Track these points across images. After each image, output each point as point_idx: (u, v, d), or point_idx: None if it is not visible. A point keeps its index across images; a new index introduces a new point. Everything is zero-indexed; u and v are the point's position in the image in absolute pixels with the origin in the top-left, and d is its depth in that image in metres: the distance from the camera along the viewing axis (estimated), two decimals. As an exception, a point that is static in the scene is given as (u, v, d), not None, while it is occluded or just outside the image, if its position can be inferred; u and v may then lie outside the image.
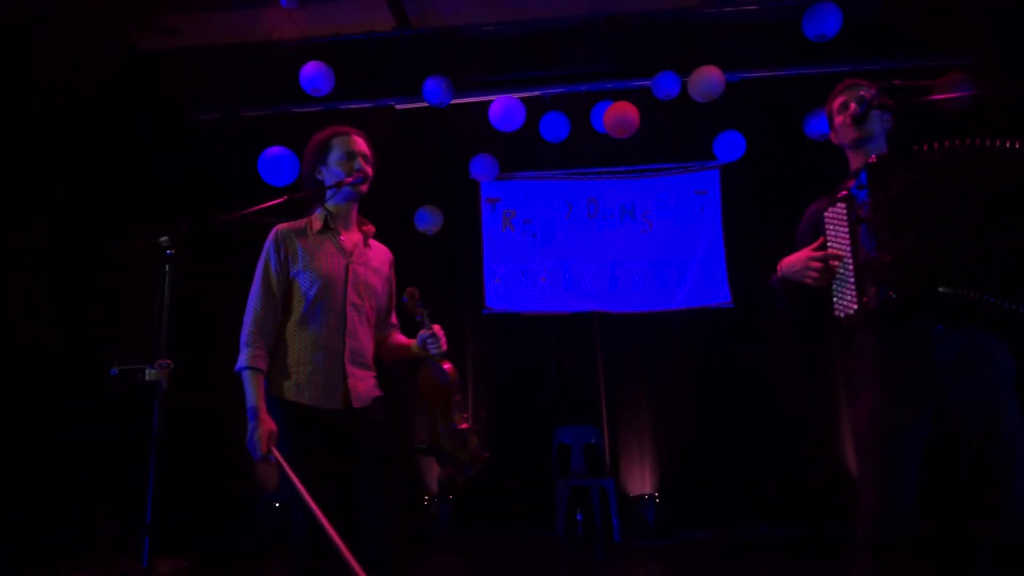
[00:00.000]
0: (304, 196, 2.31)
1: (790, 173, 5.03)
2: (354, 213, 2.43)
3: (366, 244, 2.42)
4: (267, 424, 2.12)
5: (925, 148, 1.90)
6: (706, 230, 5.38)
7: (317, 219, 2.35)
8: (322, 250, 2.30)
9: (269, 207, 2.08)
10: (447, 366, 2.34)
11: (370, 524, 2.20)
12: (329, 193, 2.33)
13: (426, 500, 5.11)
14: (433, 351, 2.34)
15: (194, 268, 4.99)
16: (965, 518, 1.97)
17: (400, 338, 2.50)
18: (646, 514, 5.00)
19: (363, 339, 2.33)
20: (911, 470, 1.97)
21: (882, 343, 2.04)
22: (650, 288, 5.37)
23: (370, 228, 2.47)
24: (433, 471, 5.17)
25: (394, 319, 2.55)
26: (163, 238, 1.89)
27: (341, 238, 2.34)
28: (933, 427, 1.99)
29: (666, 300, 5.34)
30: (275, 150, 4.66)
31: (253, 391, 2.15)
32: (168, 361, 1.85)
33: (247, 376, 2.17)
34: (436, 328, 2.35)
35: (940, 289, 1.84)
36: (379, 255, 2.46)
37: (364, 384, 2.30)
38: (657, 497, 5.04)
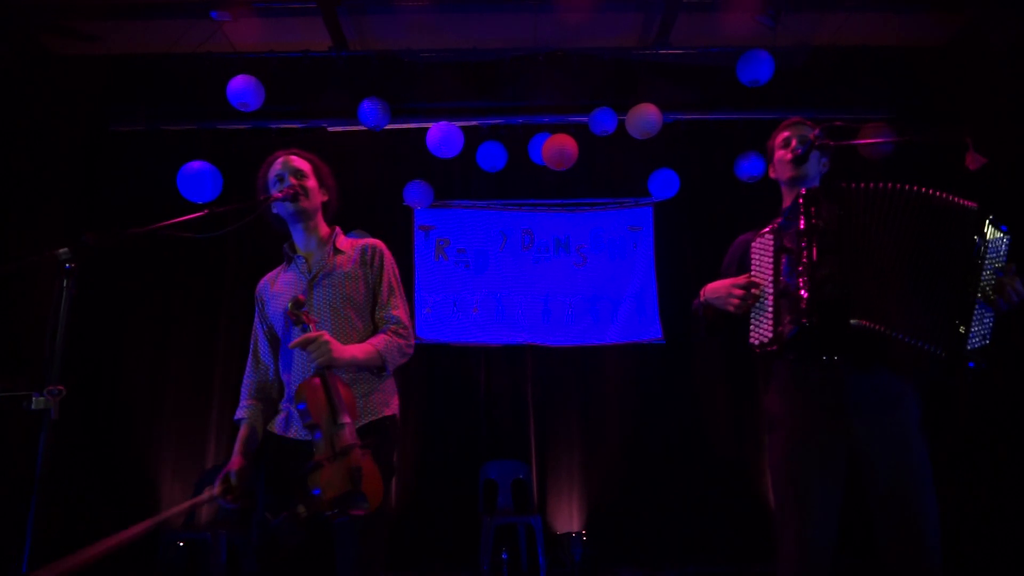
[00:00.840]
0: (227, 211, 2.15)
1: (721, 212, 5.15)
2: (318, 231, 2.33)
3: (336, 252, 2.29)
4: (230, 464, 2.16)
5: (852, 185, 1.93)
6: (639, 266, 5.42)
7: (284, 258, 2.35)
8: (286, 285, 2.27)
9: (184, 221, 1.91)
10: (308, 382, 1.98)
11: (341, 558, 2.08)
12: (288, 221, 2.31)
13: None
14: (310, 362, 2.02)
15: (104, 287, 4.79)
16: (881, 566, 1.96)
17: (374, 337, 2.19)
18: (573, 552, 4.88)
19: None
20: (830, 514, 1.97)
21: (793, 379, 2.05)
22: (583, 322, 5.35)
23: (335, 231, 2.36)
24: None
25: (383, 313, 2.26)
26: (62, 250, 1.70)
27: (303, 264, 2.28)
28: (849, 470, 1.99)
29: (598, 335, 5.32)
30: (196, 164, 4.42)
31: (237, 439, 2.23)
32: (60, 387, 1.65)
33: (239, 426, 2.26)
34: (303, 337, 2.00)
35: (852, 321, 1.84)
36: (352, 256, 2.30)
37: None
38: (585, 535, 4.94)
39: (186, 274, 5.17)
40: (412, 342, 2.27)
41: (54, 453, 1.67)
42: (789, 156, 2.21)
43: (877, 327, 1.83)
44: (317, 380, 1.98)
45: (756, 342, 2.01)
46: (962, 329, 1.82)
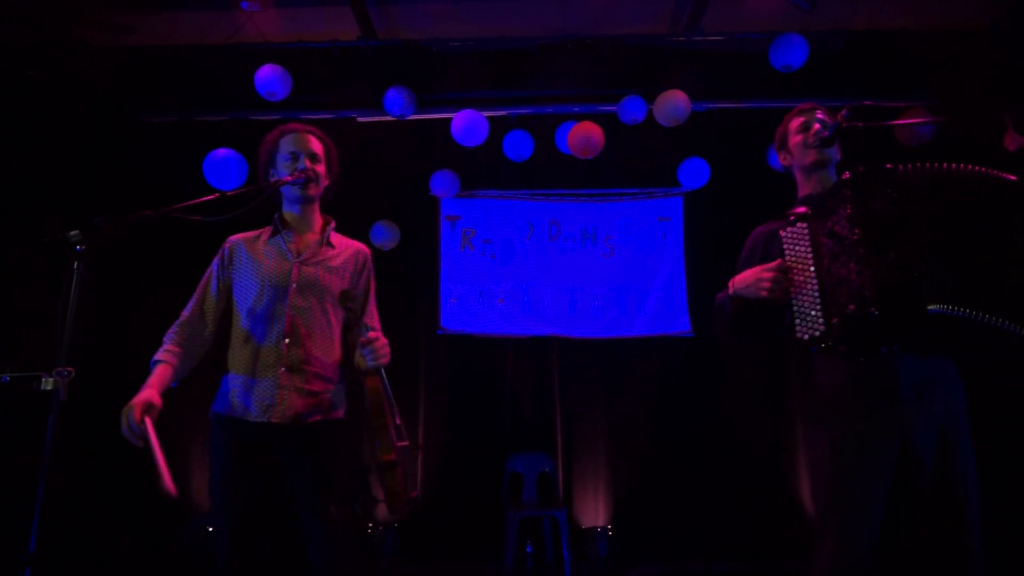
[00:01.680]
0: (244, 194, 2.15)
1: (753, 203, 4.97)
2: (312, 216, 2.32)
3: (326, 244, 2.29)
4: (143, 394, 1.98)
5: (900, 168, 1.84)
6: (668, 257, 5.32)
7: (271, 226, 2.29)
8: (267, 256, 2.21)
9: (196, 204, 1.92)
10: (369, 383, 2.07)
11: (311, 556, 2.09)
12: (285, 196, 2.27)
13: (369, 529, 4.87)
14: (370, 363, 2.09)
15: (116, 270, 4.86)
16: (925, 564, 1.88)
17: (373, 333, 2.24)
18: (598, 547, 4.84)
19: (316, 348, 2.16)
20: (875, 514, 1.88)
21: (844, 371, 1.95)
22: (610, 314, 5.28)
23: (332, 225, 2.35)
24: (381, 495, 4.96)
25: (369, 322, 2.33)
26: (73, 232, 1.71)
27: (292, 241, 2.24)
28: (897, 465, 1.90)
29: (625, 327, 5.24)
30: (222, 152, 4.47)
31: (151, 377, 2.06)
32: (70, 369, 1.66)
33: (152, 367, 2.09)
34: (372, 335, 2.10)
35: (929, 307, 1.74)
36: (343, 254, 2.31)
37: (307, 400, 2.13)
38: (610, 530, 4.89)
39: (203, 259, 5.21)
40: None
41: (63, 435, 1.69)
42: (812, 139, 2.13)
43: (958, 310, 1.73)
44: (379, 381, 2.05)
45: (806, 336, 1.91)
46: None
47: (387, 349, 2.09)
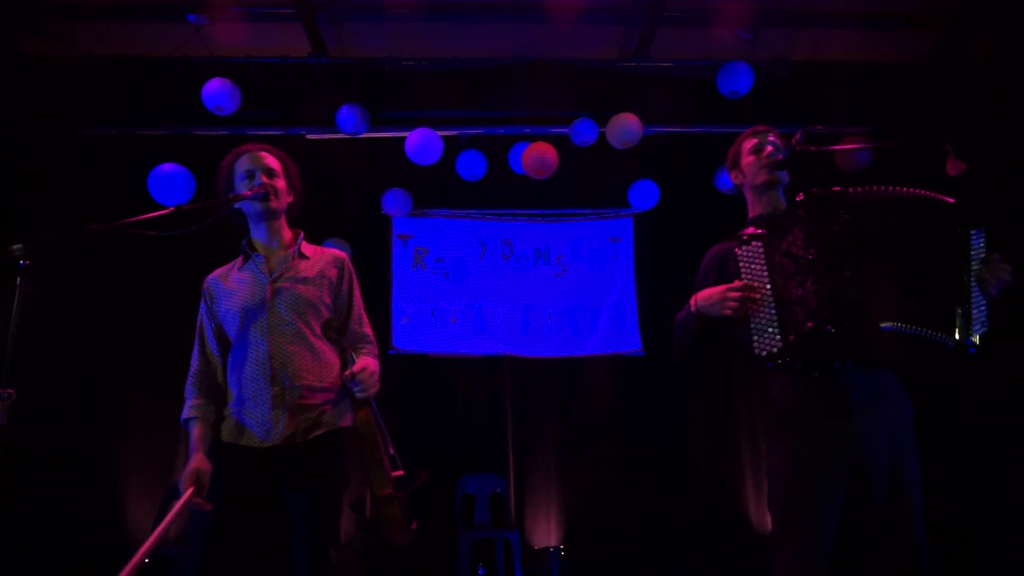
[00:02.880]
0: (196, 209, 2.09)
1: (701, 224, 5.11)
2: (281, 232, 2.29)
3: (299, 256, 2.25)
4: (192, 463, 2.01)
5: (852, 190, 1.91)
6: (619, 277, 5.40)
7: (241, 254, 2.26)
8: (241, 283, 2.19)
9: (151, 218, 1.85)
10: (361, 416, 2.01)
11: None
12: (250, 218, 2.24)
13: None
14: (358, 394, 2.05)
15: (65, 286, 4.66)
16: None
17: (360, 360, 2.16)
18: (551, 567, 4.82)
19: (304, 361, 2.11)
20: (830, 526, 1.93)
21: (797, 387, 2.01)
22: (562, 333, 5.31)
23: (301, 236, 2.31)
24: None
25: (359, 327, 2.29)
26: (16, 246, 1.63)
27: (263, 263, 2.21)
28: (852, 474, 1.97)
29: (578, 346, 5.28)
30: (168, 167, 4.35)
31: (191, 440, 2.09)
32: (10, 391, 1.57)
33: (188, 428, 2.12)
34: (357, 367, 2.06)
35: (883, 325, 1.81)
36: (317, 263, 2.27)
37: (305, 415, 2.08)
38: (563, 550, 4.88)
39: (156, 279, 5.04)
40: None
41: (10, 461, 1.59)
42: (764, 161, 2.20)
43: (908, 328, 1.81)
44: (370, 412, 2.01)
45: (763, 352, 1.95)
46: (965, 316, 1.82)
47: (375, 378, 2.05)
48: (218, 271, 2.30)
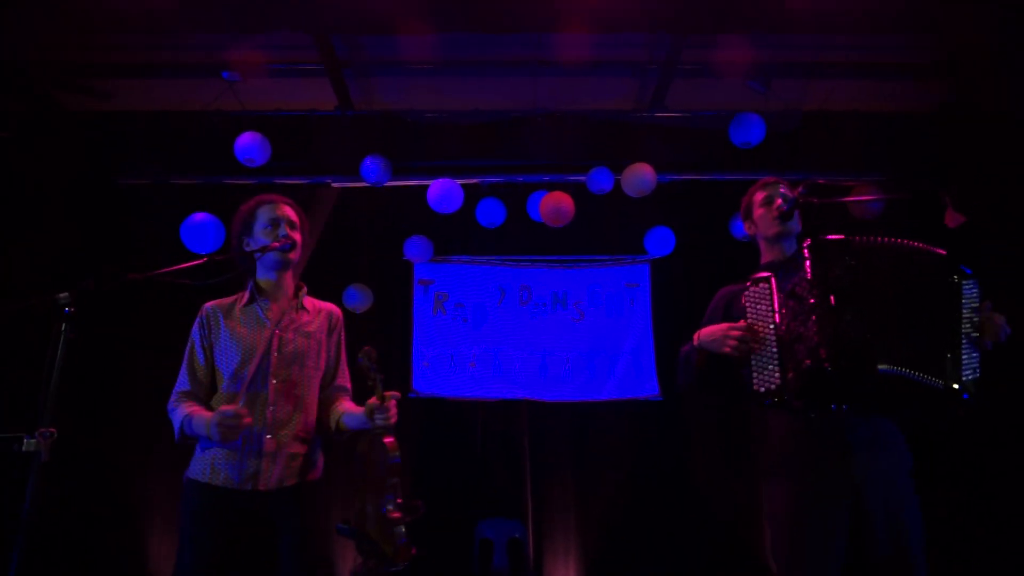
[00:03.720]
0: (227, 260, 2.20)
1: (717, 270, 5.13)
2: (286, 282, 2.37)
3: (301, 308, 2.34)
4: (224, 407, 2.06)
5: (856, 239, 2.00)
6: (636, 322, 5.45)
7: (246, 293, 2.32)
8: (245, 324, 2.25)
9: (183, 268, 1.96)
10: (388, 440, 2.11)
11: None
12: (261, 263, 2.31)
13: (335, 598, 4.75)
14: (379, 422, 2.12)
15: (101, 332, 4.80)
16: None
17: (348, 404, 2.30)
18: (569, 616, 4.77)
19: (297, 412, 2.19)
20: (833, 566, 1.95)
21: (795, 428, 2.06)
22: (580, 377, 5.35)
23: (304, 290, 2.40)
24: (347, 562, 4.84)
25: (342, 382, 2.39)
26: (63, 295, 1.74)
27: (269, 308, 2.28)
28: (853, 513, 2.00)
29: (595, 390, 5.31)
30: (199, 216, 4.53)
31: (197, 425, 2.09)
32: (52, 430, 1.67)
33: (188, 425, 2.11)
34: (388, 395, 2.15)
35: (880, 367, 1.86)
36: (317, 318, 2.36)
37: (290, 463, 2.15)
38: (581, 597, 4.83)
39: (185, 323, 5.18)
40: None
41: (44, 497, 1.68)
42: (775, 213, 2.28)
43: (903, 370, 1.87)
44: (394, 439, 2.12)
45: (762, 389, 2.02)
46: (954, 361, 1.90)
47: (394, 411, 2.15)
48: (218, 301, 2.36)
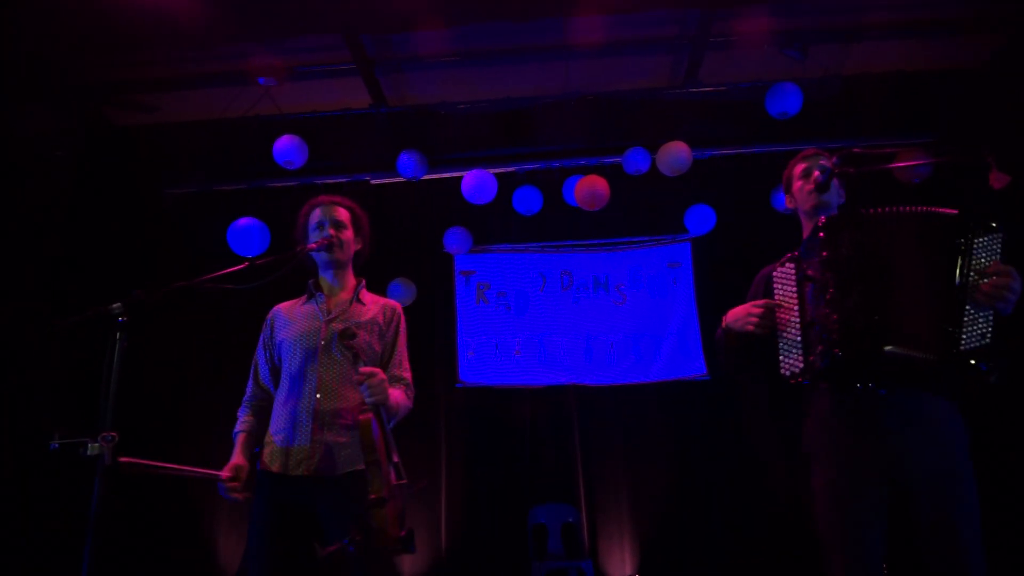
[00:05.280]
0: (270, 263, 2.27)
1: (760, 245, 5.06)
2: (345, 279, 2.48)
3: (357, 302, 2.42)
4: (232, 460, 2.24)
5: (869, 210, 1.96)
6: (680, 302, 5.40)
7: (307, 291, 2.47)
8: (301, 318, 2.37)
9: (228, 274, 2.04)
10: (361, 418, 2.01)
11: None
12: (319, 262, 2.45)
13: (395, 585, 4.87)
14: (367, 399, 2.07)
15: (152, 338, 5.00)
16: None
17: (391, 391, 2.23)
18: (627, 597, 4.79)
19: (346, 401, 2.24)
20: (876, 543, 1.92)
21: (830, 407, 2.03)
22: (625, 360, 5.33)
23: (363, 284, 2.50)
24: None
25: (398, 372, 2.39)
26: (115, 305, 1.83)
27: (324, 303, 2.39)
28: (893, 496, 1.95)
29: (641, 372, 5.29)
30: (245, 221, 4.65)
31: (235, 446, 2.31)
32: (113, 434, 1.76)
33: (235, 440, 2.33)
34: (367, 370, 2.08)
35: (886, 349, 1.84)
36: (372, 309, 2.43)
37: (338, 452, 2.20)
38: (638, 579, 4.85)
39: (241, 324, 5.33)
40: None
41: (109, 500, 1.77)
42: (811, 186, 2.24)
43: (907, 352, 1.84)
44: (372, 416, 2.03)
45: (787, 372, 2.01)
46: (949, 328, 1.83)
47: (383, 386, 2.08)
48: (284, 304, 2.50)
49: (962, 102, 4.87)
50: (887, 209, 1.94)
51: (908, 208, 1.93)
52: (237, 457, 2.26)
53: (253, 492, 2.22)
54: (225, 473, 2.17)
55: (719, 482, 5.02)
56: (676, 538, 4.96)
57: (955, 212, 1.90)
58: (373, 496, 1.92)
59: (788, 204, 2.45)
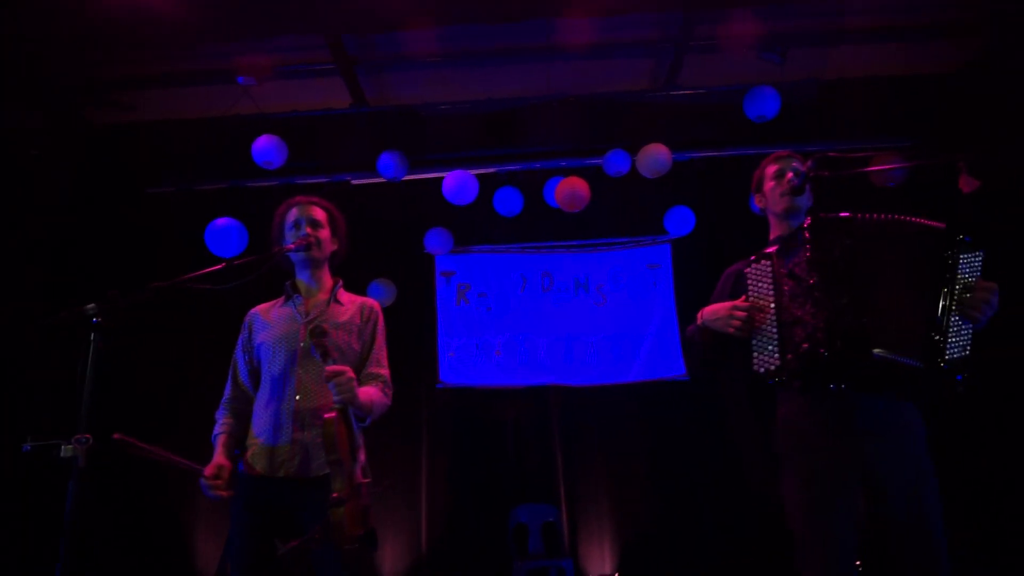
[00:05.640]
0: (247, 263, 2.26)
1: (739, 247, 5.04)
2: (322, 279, 2.46)
3: (335, 302, 2.42)
4: (214, 460, 2.21)
5: (856, 217, 1.97)
6: (659, 303, 5.44)
7: (284, 293, 2.45)
8: (279, 322, 2.36)
9: (205, 274, 2.02)
10: (325, 416, 1.99)
11: None
12: (296, 263, 2.42)
13: (377, 586, 4.86)
14: (335, 397, 2.06)
15: (129, 338, 4.94)
16: None
17: (366, 388, 2.24)
18: (607, 596, 4.82)
19: (327, 402, 2.20)
20: (851, 543, 1.95)
21: (804, 407, 2.05)
22: (605, 361, 5.36)
23: (339, 283, 2.48)
24: (388, 551, 4.94)
25: (375, 370, 2.37)
26: (90, 306, 1.81)
27: (302, 305, 2.38)
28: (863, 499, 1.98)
29: (622, 373, 5.32)
30: (223, 221, 4.61)
31: (215, 448, 2.28)
32: (87, 436, 1.74)
33: (214, 442, 2.30)
34: (333, 368, 2.06)
35: (875, 351, 1.86)
36: (349, 309, 2.43)
37: (316, 453, 2.19)
38: (617, 578, 4.88)
39: (219, 325, 5.28)
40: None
41: (84, 502, 1.75)
42: (784, 187, 2.26)
43: (896, 356, 1.86)
44: (337, 415, 2.01)
45: (762, 370, 2.02)
46: (937, 338, 1.87)
47: (351, 385, 2.07)
48: (261, 306, 2.48)
49: (938, 106, 4.95)
50: (880, 216, 1.96)
51: (901, 217, 1.96)
52: (219, 457, 2.24)
53: (234, 491, 2.21)
54: (209, 471, 2.15)
55: (699, 481, 5.06)
56: (656, 537, 4.99)
57: (944, 226, 1.94)
58: (335, 495, 1.92)
59: (758, 203, 2.47)
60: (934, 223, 1.95)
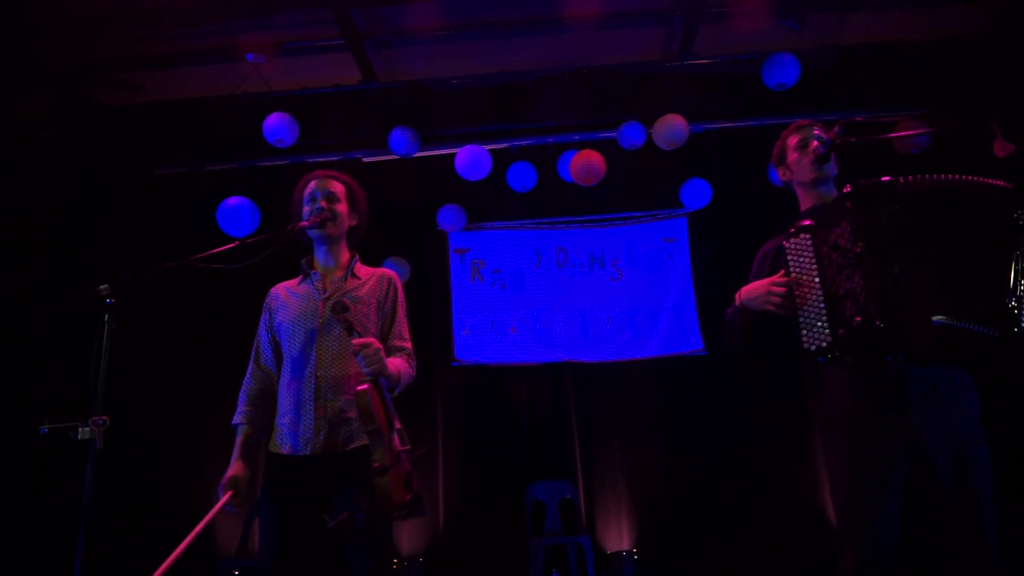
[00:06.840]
0: (259, 241, 2.22)
1: (757, 219, 5.06)
2: (339, 253, 2.43)
3: (352, 276, 2.38)
4: (231, 470, 2.20)
5: (900, 180, 1.89)
6: (676, 277, 5.38)
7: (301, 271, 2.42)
8: (299, 299, 2.33)
9: (217, 253, 1.99)
10: (359, 388, 1.99)
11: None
12: (313, 239, 2.39)
13: (395, 563, 4.88)
14: (364, 370, 2.04)
15: (142, 320, 4.95)
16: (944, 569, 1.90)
17: (392, 360, 2.21)
18: (624, 572, 4.83)
19: (348, 376, 2.21)
20: (892, 520, 1.90)
21: (853, 381, 1.98)
22: (622, 336, 5.32)
23: (356, 257, 2.45)
24: (405, 528, 4.97)
25: (398, 342, 2.36)
26: (103, 287, 1.79)
27: (320, 281, 2.35)
28: (910, 473, 1.93)
29: (638, 348, 5.28)
30: (234, 200, 4.59)
31: (235, 445, 2.28)
32: (104, 418, 1.73)
33: (236, 432, 2.30)
34: (361, 341, 2.04)
35: (935, 319, 1.78)
36: (368, 282, 2.40)
37: (344, 427, 2.18)
38: (635, 553, 4.87)
39: (233, 305, 5.29)
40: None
41: (102, 484, 1.74)
42: (810, 157, 2.19)
43: (959, 322, 1.79)
44: (369, 386, 2.00)
45: (813, 347, 1.94)
46: (1012, 304, 1.77)
47: (379, 355, 2.05)
48: (281, 284, 2.45)
49: (958, 72, 4.82)
50: (927, 177, 1.87)
51: (955, 176, 1.86)
52: (235, 465, 2.23)
53: (256, 499, 2.23)
54: (224, 483, 2.16)
55: (716, 457, 5.03)
56: (673, 513, 4.98)
57: (1009, 185, 1.84)
58: (376, 464, 1.91)
59: (782, 176, 2.40)
60: (998, 181, 1.84)
